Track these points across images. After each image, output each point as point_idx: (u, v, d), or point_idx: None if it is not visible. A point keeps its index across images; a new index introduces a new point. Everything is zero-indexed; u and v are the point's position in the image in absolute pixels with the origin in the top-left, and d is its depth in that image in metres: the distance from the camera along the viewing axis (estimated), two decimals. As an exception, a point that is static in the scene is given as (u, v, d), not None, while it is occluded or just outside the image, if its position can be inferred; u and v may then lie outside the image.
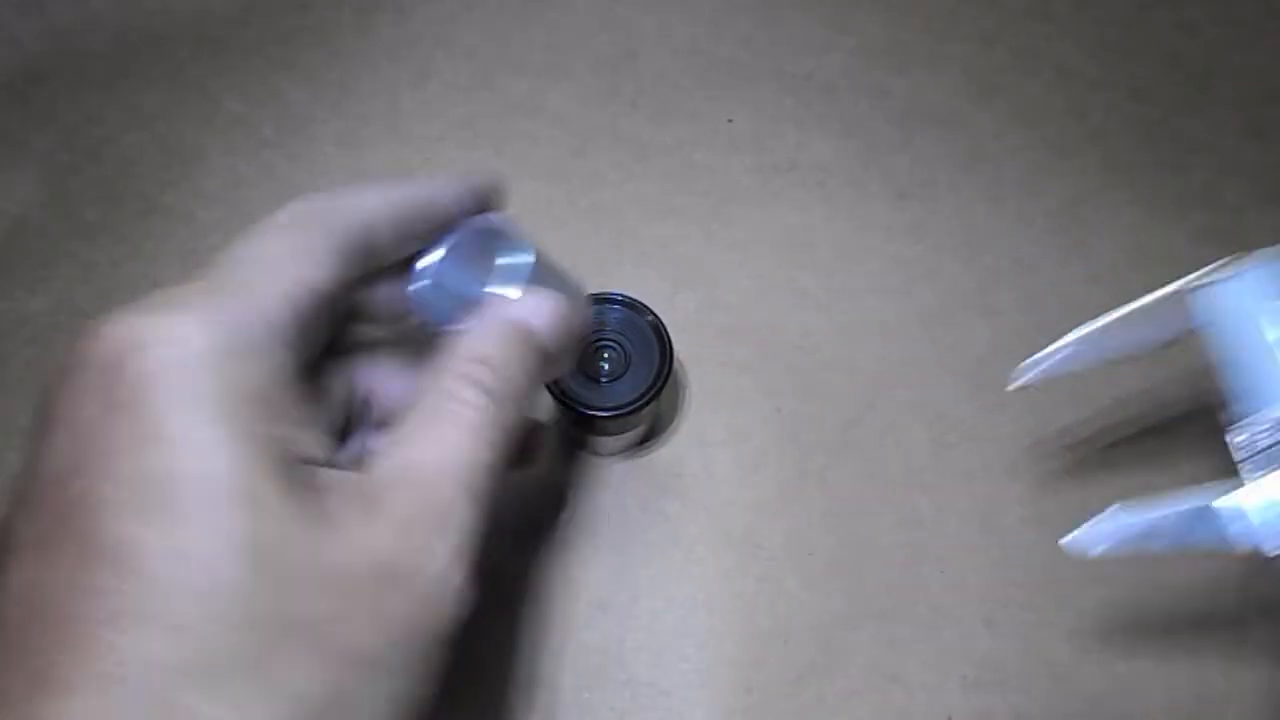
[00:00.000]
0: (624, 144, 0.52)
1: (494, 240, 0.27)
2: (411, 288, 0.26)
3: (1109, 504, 0.44)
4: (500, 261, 0.27)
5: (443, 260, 0.26)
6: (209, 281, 0.21)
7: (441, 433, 0.22)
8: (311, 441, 0.21)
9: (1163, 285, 0.49)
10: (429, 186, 0.26)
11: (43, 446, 0.19)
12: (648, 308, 0.39)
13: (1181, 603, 0.42)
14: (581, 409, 0.37)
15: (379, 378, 0.27)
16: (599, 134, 0.52)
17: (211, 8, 0.56)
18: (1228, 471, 0.45)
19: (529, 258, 0.27)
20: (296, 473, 0.19)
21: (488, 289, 0.26)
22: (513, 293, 0.26)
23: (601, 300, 0.39)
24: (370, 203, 0.24)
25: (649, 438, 0.44)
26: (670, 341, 0.38)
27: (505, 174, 0.54)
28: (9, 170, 0.51)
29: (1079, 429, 0.45)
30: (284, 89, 0.54)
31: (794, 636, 0.40)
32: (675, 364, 0.38)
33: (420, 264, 0.26)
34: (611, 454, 0.44)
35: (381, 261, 0.25)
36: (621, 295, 0.39)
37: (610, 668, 0.39)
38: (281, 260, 0.21)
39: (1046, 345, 0.48)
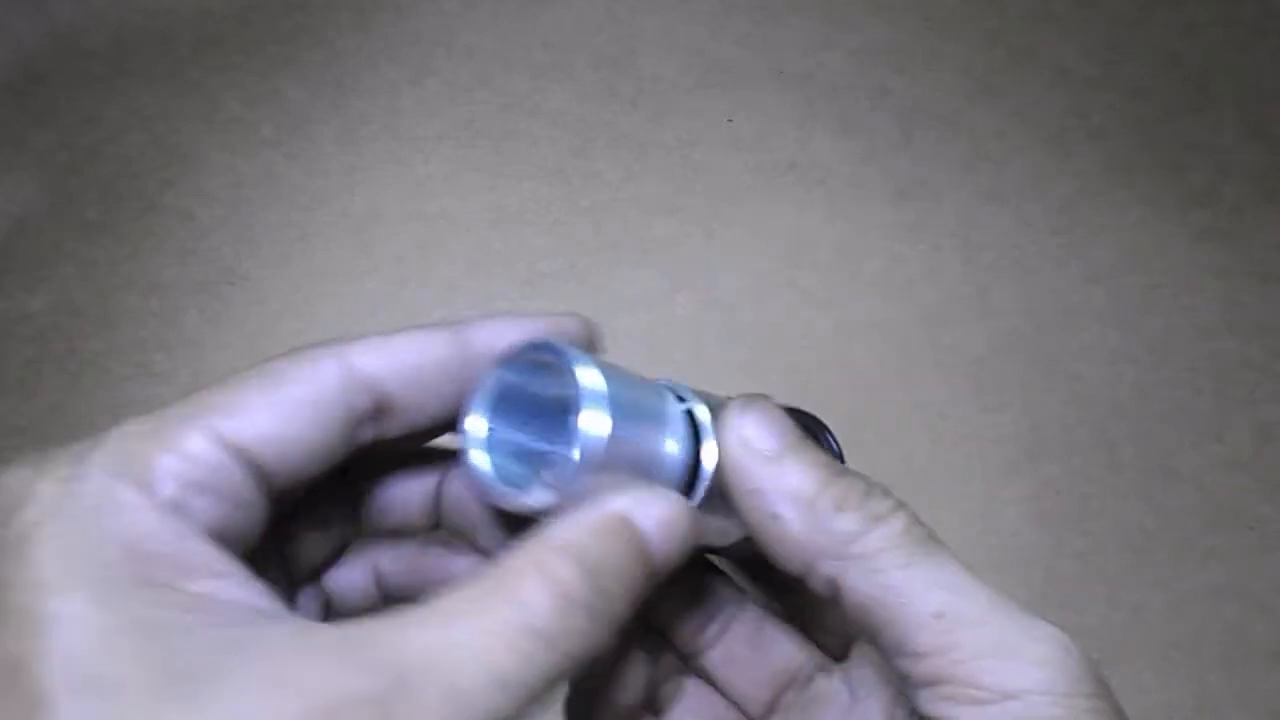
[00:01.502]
0: (624, 144, 0.52)
1: (552, 372, 0.20)
2: (464, 454, 0.20)
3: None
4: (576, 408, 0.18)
5: (492, 413, 0.21)
6: (152, 421, 0.18)
7: (486, 617, 0.18)
8: (248, 593, 0.18)
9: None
10: (459, 337, 0.22)
11: None
12: None
13: (1182, 603, 0.42)
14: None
15: (395, 559, 0.24)
16: (599, 134, 0.52)
17: (211, 8, 0.56)
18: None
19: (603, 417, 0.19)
20: (187, 638, 0.16)
21: (563, 446, 0.19)
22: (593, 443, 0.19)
23: None
24: (381, 358, 0.21)
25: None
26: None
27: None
28: (9, 170, 0.51)
29: (1079, 429, 0.45)
30: (283, 88, 0.54)
31: (794, 636, 0.40)
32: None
33: (467, 423, 0.20)
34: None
35: (398, 429, 0.21)
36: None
37: (610, 667, 0.39)
38: (240, 403, 0.19)
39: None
